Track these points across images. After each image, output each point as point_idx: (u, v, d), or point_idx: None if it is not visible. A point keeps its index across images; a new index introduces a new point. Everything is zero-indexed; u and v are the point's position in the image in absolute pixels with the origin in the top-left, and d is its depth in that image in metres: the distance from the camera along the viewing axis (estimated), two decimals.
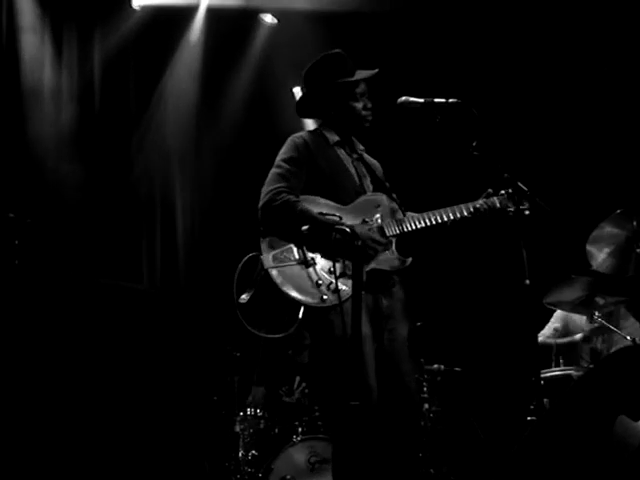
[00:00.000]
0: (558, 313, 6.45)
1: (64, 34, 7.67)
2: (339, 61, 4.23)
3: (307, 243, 3.82)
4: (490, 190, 3.98)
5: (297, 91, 8.83)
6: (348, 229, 3.61)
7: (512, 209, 3.94)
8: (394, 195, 4.29)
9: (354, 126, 4.22)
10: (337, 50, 4.26)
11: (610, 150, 7.74)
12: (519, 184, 3.92)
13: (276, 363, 6.60)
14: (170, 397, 7.12)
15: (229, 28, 8.41)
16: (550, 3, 7.62)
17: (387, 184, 4.33)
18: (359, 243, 3.52)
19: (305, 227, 3.68)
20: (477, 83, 7.69)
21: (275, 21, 8.45)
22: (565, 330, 6.38)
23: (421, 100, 4.06)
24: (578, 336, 6.02)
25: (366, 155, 4.37)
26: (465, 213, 3.98)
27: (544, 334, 6.39)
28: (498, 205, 3.98)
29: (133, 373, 6.96)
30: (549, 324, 6.46)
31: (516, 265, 3.76)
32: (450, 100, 3.98)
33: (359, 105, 4.18)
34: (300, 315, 3.82)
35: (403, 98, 4.12)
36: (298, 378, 6.70)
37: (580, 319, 6.33)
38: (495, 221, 3.97)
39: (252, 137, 8.61)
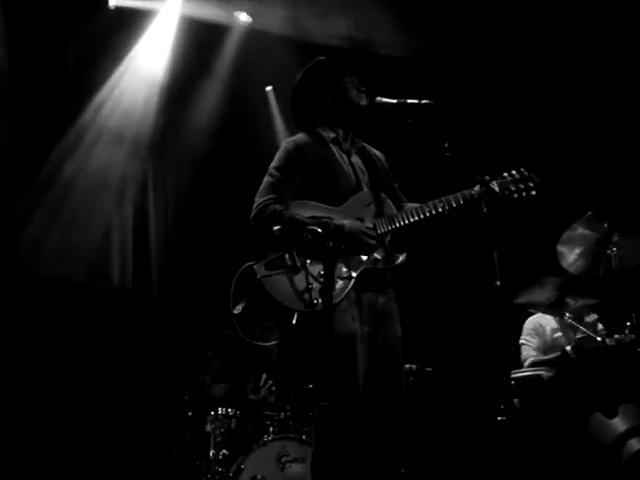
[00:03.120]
0: (528, 327, 6.42)
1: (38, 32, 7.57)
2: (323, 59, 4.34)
3: (287, 247, 3.82)
4: (487, 177, 3.92)
5: (270, 90, 8.84)
6: (319, 229, 3.61)
7: (515, 192, 3.94)
8: (396, 185, 4.31)
9: (352, 106, 4.20)
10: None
11: (583, 152, 7.80)
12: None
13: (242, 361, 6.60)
14: (141, 396, 7.10)
15: (203, 34, 8.39)
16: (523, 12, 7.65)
17: (390, 174, 4.35)
18: (331, 243, 3.51)
19: (276, 227, 3.69)
20: (451, 84, 7.72)
21: (250, 20, 8.44)
22: (541, 343, 6.34)
23: (394, 101, 4.06)
24: (568, 347, 5.98)
25: (368, 147, 4.36)
26: (461, 201, 3.95)
27: (530, 354, 6.33)
28: (497, 189, 3.93)
29: (104, 373, 6.93)
30: (525, 342, 6.39)
31: (487, 266, 3.77)
32: (423, 101, 3.98)
33: (350, 84, 4.21)
34: (294, 321, 3.84)
35: (377, 98, 4.13)
36: (264, 376, 6.69)
37: (549, 326, 6.36)
38: (494, 207, 3.91)
39: (226, 136, 8.60)
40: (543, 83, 7.98)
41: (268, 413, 6.16)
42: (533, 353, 6.25)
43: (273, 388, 6.64)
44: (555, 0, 7.46)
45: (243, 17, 8.42)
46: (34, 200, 7.12)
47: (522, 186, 3.97)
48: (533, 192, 3.98)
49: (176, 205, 8.61)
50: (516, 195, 3.95)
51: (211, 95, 8.61)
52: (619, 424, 2.35)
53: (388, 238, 4.00)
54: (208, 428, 5.96)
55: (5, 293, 6.42)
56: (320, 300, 3.72)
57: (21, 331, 6.48)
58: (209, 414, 6.01)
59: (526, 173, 4.01)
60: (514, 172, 4.01)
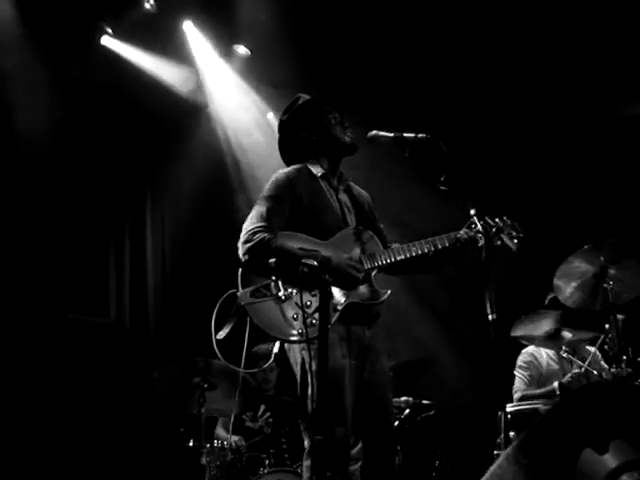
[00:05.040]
0: (522, 360, 6.40)
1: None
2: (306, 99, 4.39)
3: (279, 277, 3.83)
4: (474, 219, 3.94)
5: (271, 117, 8.88)
6: (316, 262, 3.61)
7: (498, 240, 3.97)
8: (381, 225, 4.33)
9: (337, 145, 4.26)
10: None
11: (579, 185, 7.82)
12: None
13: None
14: (136, 430, 7.06)
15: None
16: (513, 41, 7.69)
17: (375, 215, 4.37)
18: (327, 276, 3.52)
19: (272, 260, 3.69)
20: (446, 118, 7.75)
21: (249, 52, 8.50)
22: (536, 375, 6.31)
23: (391, 134, 4.08)
24: (555, 384, 5.95)
25: (354, 186, 4.40)
26: (447, 243, 3.99)
27: (520, 388, 6.31)
28: (492, 223, 3.99)
29: (99, 406, 6.89)
30: (518, 375, 6.38)
31: (483, 299, 3.77)
32: (419, 135, 4.00)
33: (334, 122, 4.25)
34: (276, 349, 3.85)
35: (373, 132, 4.15)
36: (263, 407, 6.68)
37: (544, 357, 6.33)
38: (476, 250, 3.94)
39: (225, 172, 8.66)
40: (539, 116, 8.02)
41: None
42: (523, 387, 6.22)
43: (270, 420, 6.63)
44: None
45: (241, 50, 8.49)
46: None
47: (504, 234, 4.01)
48: (515, 241, 4.00)
49: (173, 240, 8.64)
50: (499, 242, 3.98)
51: (211, 132, 8.69)
52: (610, 460, 2.33)
53: (374, 274, 4.01)
54: (203, 461, 5.91)
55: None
56: (304, 330, 3.72)
57: (16, 366, 6.44)
58: (204, 447, 5.97)
59: (509, 222, 4.05)
60: (497, 220, 4.04)
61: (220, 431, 6.65)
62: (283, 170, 4.26)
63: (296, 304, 3.78)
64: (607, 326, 5.58)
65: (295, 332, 3.76)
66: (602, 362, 6.21)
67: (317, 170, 4.24)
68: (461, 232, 3.99)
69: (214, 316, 3.88)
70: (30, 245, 7.09)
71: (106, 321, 7.54)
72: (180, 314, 8.15)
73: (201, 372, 5.79)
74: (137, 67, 8.14)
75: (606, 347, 5.79)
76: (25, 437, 6.32)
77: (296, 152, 4.35)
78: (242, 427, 6.55)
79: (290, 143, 4.37)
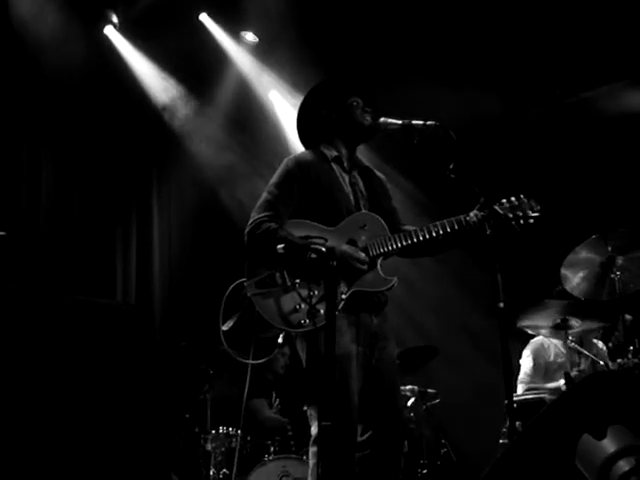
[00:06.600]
0: (530, 349, 6.39)
1: None
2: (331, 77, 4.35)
3: (286, 266, 3.81)
4: (483, 199, 3.86)
5: (274, 94, 8.86)
6: (323, 249, 3.59)
7: (514, 219, 3.90)
8: (396, 207, 4.29)
9: (355, 126, 4.20)
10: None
11: (587, 175, 7.81)
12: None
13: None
14: (142, 414, 7.06)
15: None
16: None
17: (390, 196, 4.33)
18: (334, 263, 3.50)
19: (280, 246, 3.68)
20: (455, 106, 7.73)
21: (257, 39, 8.49)
22: (542, 364, 6.30)
23: (399, 121, 4.05)
24: (561, 382, 5.92)
25: (370, 168, 4.36)
26: (456, 226, 3.92)
27: (524, 380, 6.25)
28: (500, 212, 3.86)
29: (105, 390, 6.89)
30: (523, 365, 6.36)
31: (491, 288, 3.75)
32: (428, 122, 3.97)
33: (356, 104, 4.21)
34: (280, 340, 3.84)
35: (382, 119, 4.12)
36: (273, 394, 6.69)
37: (552, 348, 6.32)
38: (498, 230, 3.85)
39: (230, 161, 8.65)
40: (547, 106, 8.00)
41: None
42: (527, 379, 6.21)
43: (279, 407, 6.65)
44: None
45: (249, 37, 8.48)
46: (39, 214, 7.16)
47: (521, 213, 3.93)
48: (531, 220, 3.94)
49: (180, 224, 8.65)
50: (514, 222, 3.91)
51: (216, 122, 8.67)
52: (608, 445, 2.32)
53: (380, 261, 3.98)
54: (209, 447, 5.93)
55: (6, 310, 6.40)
56: (307, 321, 3.73)
57: (21, 347, 6.44)
58: (210, 433, 5.98)
59: (525, 200, 3.98)
60: (513, 198, 3.98)
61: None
62: (293, 155, 4.23)
63: (299, 294, 3.78)
64: (621, 317, 5.56)
65: (299, 322, 3.76)
66: (605, 354, 6.20)
67: (330, 153, 4.20)
68: (471, 214, 3.92)
69: (222, 307, 3.88)
70: (41, 231, 7.11)
71: (115, 302, 7.55)
72: (185, 299, 8.16)
73: (207, 358, 5.80)
74: (129, 65, 8.19)
75: (610, 344, 5.79)
76: (35, 420, 6.32)
77: (313, 131, 4.31)
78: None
79: (308, 121, 4.32)
